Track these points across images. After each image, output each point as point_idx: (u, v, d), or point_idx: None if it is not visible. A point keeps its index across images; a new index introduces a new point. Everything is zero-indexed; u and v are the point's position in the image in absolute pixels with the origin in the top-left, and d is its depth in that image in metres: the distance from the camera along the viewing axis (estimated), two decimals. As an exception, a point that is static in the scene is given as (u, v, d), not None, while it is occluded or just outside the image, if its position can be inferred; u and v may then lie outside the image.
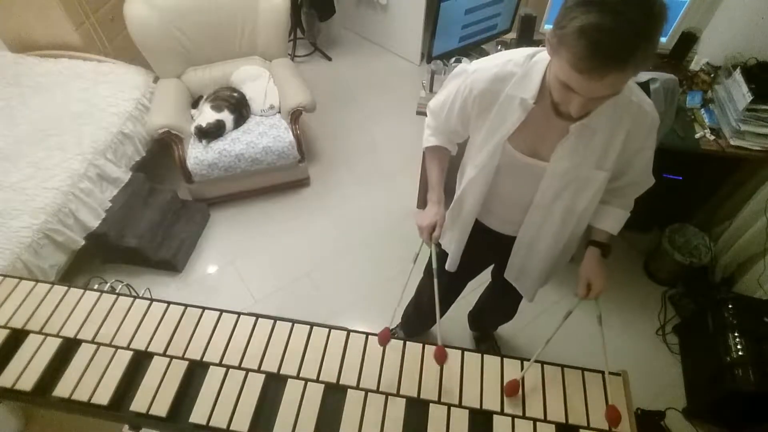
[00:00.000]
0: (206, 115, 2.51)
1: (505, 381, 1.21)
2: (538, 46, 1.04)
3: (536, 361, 1.25)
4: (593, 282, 1.20)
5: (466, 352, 1.26)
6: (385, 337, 1.19)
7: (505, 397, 1.18)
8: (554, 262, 1.34)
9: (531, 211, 1.21)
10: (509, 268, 1.43)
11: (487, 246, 1.41)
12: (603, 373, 1.22)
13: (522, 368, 1.24)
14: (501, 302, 1.84)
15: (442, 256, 1.48)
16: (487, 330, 2.16)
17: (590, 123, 0.98)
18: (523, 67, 1.02)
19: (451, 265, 1.47)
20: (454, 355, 1.26)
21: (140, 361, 1.24)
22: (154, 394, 1.17)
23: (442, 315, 2.05)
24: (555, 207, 1.16)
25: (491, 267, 1.69)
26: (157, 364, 1.23)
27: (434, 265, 1.30)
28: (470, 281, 1.70)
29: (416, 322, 2.02)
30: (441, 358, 1.18)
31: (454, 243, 1.42)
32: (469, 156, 1.25)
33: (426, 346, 1.28)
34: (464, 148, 1.31)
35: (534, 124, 1.04)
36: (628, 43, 0.74)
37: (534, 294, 1.47)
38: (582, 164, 1.05)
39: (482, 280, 1.74)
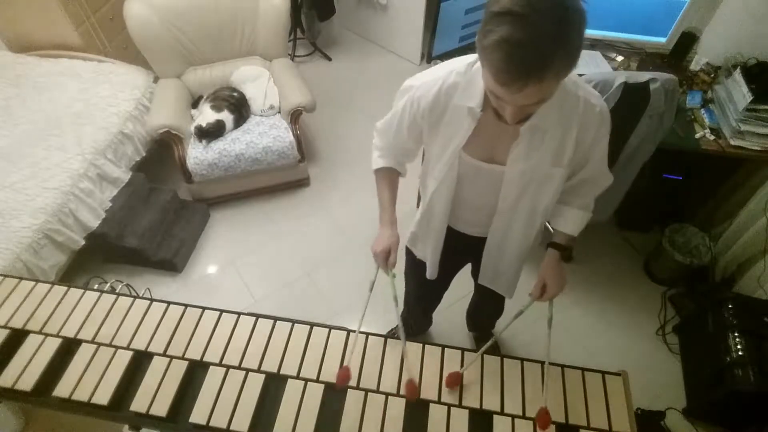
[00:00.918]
0: (206, 115, 2.51)
1: (505, 381, 1.21)
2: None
3: (537, 361, 1.25)
4: (548, 284, 1.19)
5: (466, 353, 1.26)
6: (344, 379, 1.17)
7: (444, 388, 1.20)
8: (525, 258, 1.35)
9: (496, 215, 1.20)
10: (482, 273, 1.43)
11: (461, 249, 1.41)
12: (603, 373, 1.22)
13: (522, 368, 1.24)
14: (486, 303, 1.87)
15: (417, 267, 1.48)
16: (484, 329, 2.16)
17: (540, 123, 0.98)
18: (465, 76, 1.01)
19: (431, 273, 1.46)
20: (454, 355, 1.26)
21: (140, 361, 1.24)
22: (154, 394, 1.17)
23: (428, 326, 2.09)
24: (519, 208, 1.16)
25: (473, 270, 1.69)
26: (157, 364, 1.23)
27: (393, 293, 1.25)
28: (451, 282, 1.70)
29: (413, 323, 2.04)
30: (412, 394, 1.17)
31: (429, 251, 1.41)
32: (427, 169, 1.24)
33: (426, 346, 1.28)
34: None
35: (486, 130, 1.04)
36: (541, 54, 0.73)
37: (513, 290, 1.48)
38: (539, 164, 1.05)
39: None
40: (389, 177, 1.32)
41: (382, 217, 1.31)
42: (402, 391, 1.19)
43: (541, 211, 1.16)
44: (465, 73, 1.01)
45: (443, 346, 1.28)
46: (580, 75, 1.76)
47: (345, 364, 1.21)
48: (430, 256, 1.41)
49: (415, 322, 2.01)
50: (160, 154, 2.75)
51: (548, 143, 1.02)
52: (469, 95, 1.00)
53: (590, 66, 2.24)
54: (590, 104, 1.01)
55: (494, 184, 1.12)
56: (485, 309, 1.96)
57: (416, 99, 1.09)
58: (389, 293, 1.23)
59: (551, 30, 0.72)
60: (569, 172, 1.10)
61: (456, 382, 1.20)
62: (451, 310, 1.98)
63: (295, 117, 2.59)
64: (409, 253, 1.54)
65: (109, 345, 1.27)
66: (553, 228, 1.25)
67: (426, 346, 1.28)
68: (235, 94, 2.62)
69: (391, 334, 2.12)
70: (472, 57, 1.02)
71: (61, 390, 1.18)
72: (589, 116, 1.01)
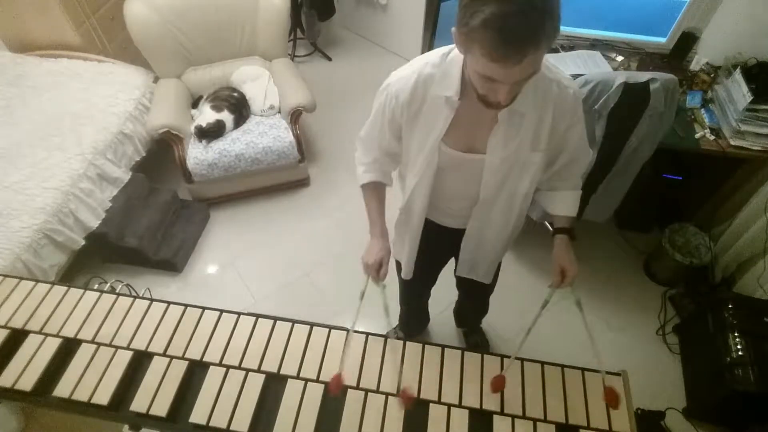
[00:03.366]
0: (206, 115, 2.51)
1: (506, 382, 1.21)
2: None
3: (537, 361, 1.25)
4: (567, 268, 1.18)
5: (466, 353, 1.26)
6: (336, 387, 1.15)
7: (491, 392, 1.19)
8: (504, 244, 1.35)
9: (478, 204, 1.21)
10: (460, 266, 1.44)
11: (441, 243, 1.42)
12: (603, 373, 1.22)
13: (522, 368, 1.24)
14: (469, 300, 1.89)
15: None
16: (471, 325, 2.20)
17: (517, 107, 0.98)
18: (440, 68, 1.02)
19: (406, 272, 1.47)
20: (454, 355, 1.26)
21: (140, 361, 1.24)
22: (154, 394, 1.17)
23: (425, 323, 2.11)
24: (500, 195, 1.17)
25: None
26: (157, 364, 1.23)
27: (384, 303, 1.23)
28: (437, 276, 1.71)
29: (409, 323, 2.06)
30: (407, 402, 1.15)
31: (406, 250, 1.41)
32: (406, 164, 1.24)
33: (426, 346, 1.28)
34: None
35: (464, 120, 1.05)
36: (533, 22, 0.75)
37: (492, 275, 1.49)
38: (518, 149, 1.05)
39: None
40: (376, 190, 1.32)
41: (372, 230, 1.31)
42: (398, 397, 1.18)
43: (521, 196, 1.17)
44: (440, 65, 1.03)
45: (443, 346, 1.28)
46: (580, 75, 1.77)
47: (341, 365, 1.20)
48: (407, 254, 1.42)
49: (413, 319, 2.02)
50: (160, 154, 2.75)
51: (526, 127, 1.02)
52: (446, 85, 1.01)
53: (590, 66, 2.24)
54: (563, 86, 1.01)
55: (475, 173, 1.13)
56: (469, 306, 1.99)
57: (393, 94, 1.09)
58: (380, 303, 1.21)
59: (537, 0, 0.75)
60: (548, 158, 1.11)
61: (500, 386, 1.19)
62: (444, 310, 1.98)
63: (295, 117, 2.59)
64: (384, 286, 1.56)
65: (109, 345, 1.27)
66: (551, 214, 1.27)
67: (426, 346, 1.28)
68: (235, 94, 2.62)
69: (392, 334, 2.12)
70: (445, 48, 1.03)
71: (61, 390, 1.18)
72: (563, 98, 1.02)
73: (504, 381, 1.20)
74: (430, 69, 1.03)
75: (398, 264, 1.58)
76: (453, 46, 1.01)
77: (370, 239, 1.30)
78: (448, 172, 1.16)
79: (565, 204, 1.25)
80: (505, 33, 0.75)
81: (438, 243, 1.41)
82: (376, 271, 1.25)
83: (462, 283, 1.69)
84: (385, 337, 1.29)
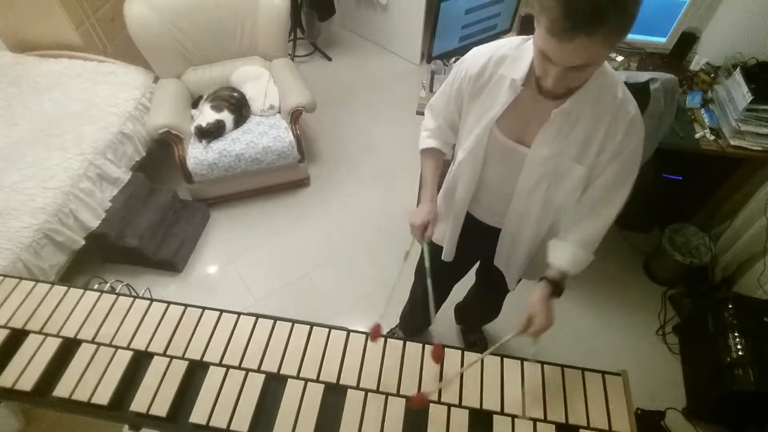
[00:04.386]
0: (206, 115, 2.51)
1: (505, 381, 1.21)
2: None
3: (537, 361, 1.25)
4: (534, 320, 1.12)
5: (466, 353, 1.26)
6: (375, 333, 1.23)
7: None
8: (536, 252, 1.34)
9: (513, 200, 1.21)
10: (498, 256, 1.44)
11: (477, 239, 1.43)
12: (603, 373, 1.22)
13: (522, 368, 1.24)
14: (485, 301, 1.87)
15: (436, 252, 1.48)
16: (470, 325, 2.19)
17: (572, 110, 0.99)
18: (516, 50, 1.05)
19: (447, 255, 1.48)
20: (454, 355, 1.26)
21: (140, 361, 1.24)
22: (154, 394, 1.17)
23: (427, 325, 2.08)
24: (535, 196, 1.16)
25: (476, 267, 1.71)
26: (157, 364, 1.22)
27: (427, 264, 1.30)
28: (463, 276, 1.73)
29: (413, 323, 2.04)
30: (438, 356, 1.19)
31: (448, 233, 1.43)
32: (459, 142, 1.26)
33: (425, 346, 1.28)
34: None
35: (521, 108, 1.06)
36: (598, 6, 0.76)
37: (516, 283, 1.49)
38: (561, 153, 1.05)
39: (469, 276, 1.77)
40: (434, 156, 1.35)
41: (423, 194, 1.33)
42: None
43: (556, 206, 1.16)
44: (517, 48, 1.05)
45: (443, 347, 1.28)
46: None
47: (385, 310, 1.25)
48: (449, 236, 1.43)
49: (416, 319, 2.01)
50: (160, 154, 2.75)
51: (576, 133, 1.02)
52: (515, 68, 1.03)
53: (590, 66, 2.24)
54: (625, 108, 1.01)
55: (516, 166, 1.13)
56: (478, 307, 1.97)
57: (465, 66, 1.13)
58: (419, 261, 1.33)
59: None
60: (588, 179, 1.09)
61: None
62: (444, 309, 1.98)
63: (295, 117, 2.59)
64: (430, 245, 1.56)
65: (109, 345, 1.26)
66: (549, 262, 1.20)
67: (426, 346, 1.28)
68: (235, 94, 2.62)
69: (391, 334, 2.13)
70: (527, 36, 1.04)
71: (61, 390, 1.18)
72: (620, 118, 1.01)
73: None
74: (506, 50, 1.05)
75: (420, 261, 1.58)
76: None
77: (420, 202, 1.32)
78: (491, 160, 1.17)
79: (565, 256, 1.17)
80: (568, 6, 0.77)
81: (472, 238, 1.42)
82: (422, 232, 1.27)
83: (485, 278, 1.68)
84: (386, 337, 1.29)
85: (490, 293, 1.77)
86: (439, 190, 1.39)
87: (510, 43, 1.07)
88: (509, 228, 1.31)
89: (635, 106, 1.03)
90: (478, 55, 1.10)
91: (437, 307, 1.87)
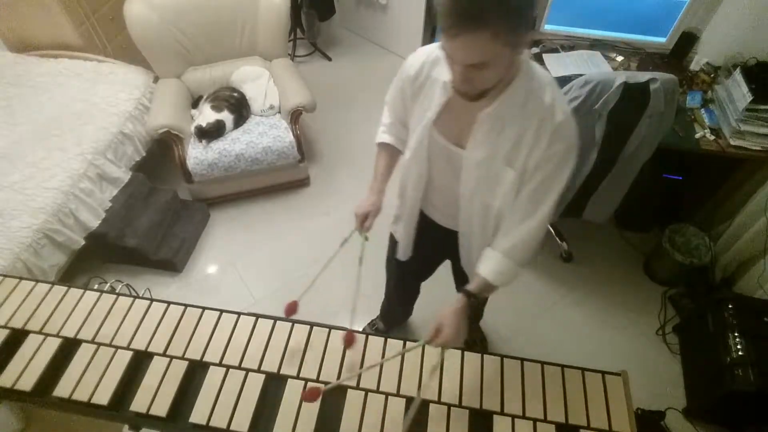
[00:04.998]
0: (206, 115, 2.51)
1: (505, 381, 1.21)
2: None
3: (536, 361, 1.25)
4: (442, 330, 1.07)
5: (466, 353, 1.26)
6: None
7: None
8: None
9: (460, 203, 1.21)
10: (462, 258, 1.43)
11: (436, 240, 1.43)
12: (603, 373, 1.22)
13: (522, 368, 1.24)
14: None
15: (392, 246, 1.53)
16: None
17: (498, 112, 0.99)
18: None
19: (402, 253, 1.49)
20: (454, 355, 1.26)
21: (140, 361, 1.24)
22: (154, 394, 1.17)
23: (406, 317, 2.13)
24: (475, 200, 1.16)
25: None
26: (157, 364, 1.23)
27: (361, 254, 1.35)
28: (429, 275, 1.74)
29: (391, 313, 2.07)
30: (349, 342, 1.24)
31: (402, 231, 1.45)
32: (408, 140, 1.27)
33: (425, 346, 1.27)
34: None
35: (455, 110, 1.06)
36: (477, 3, 0.77)
37: None
38: (494, 156, 1.05)
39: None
40: (388, 151, 1.36)
41: (372, 185, 1.35)
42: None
43: (495, 210, 1.14)
44: None
45: (353, 332, 1.28)
46: (580, 75, 1.76)
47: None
48: (403, 234, 1.45)
49: (394, 312, 2.05)
50: (160, 154, 2.75)
51: (505, 136, 1.02)
52: (447, 70, 1.01)
53: (590, 66, 2.24)
54: (552, 114, 0.97)
55: (457, 168, 1.14)
56: None
57: (405, 68, 1.16)
58: (356, 253, 1.35)
59: None
60: (519, 184, 1.06)
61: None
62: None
63: (295, 117, 2.59)
64: (391, 240, 1.58)
65: (109, 345, 1.27)
66: (475, 271, 1.16)
67: (426, 346, 1.27)
68: (235, 94, 2.62)
69: (371, 327, 2.14)
70: None
71: (61, 390, 1.18)
72: (546, 126, 0.97)
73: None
74: (440, 53, 1.04)
75: (389, 251, 1.60)
76: None
77: (367, 192, 1.35)
78: (437, 163, 1.19)
79: (490, 265, 1.12)
80: (451, 4, 0.79)
81: (432, 239, 1.43)
82: (362, 221, 1.32)
83: (459, 279, 1.69)
84: (386, 337, 1.29)
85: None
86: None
87: None
88: (463, 230, 1.31)
89: (565, 110, 0.99)
90: (417, 56, 1.13)
91: (409, 303, 1.95)
